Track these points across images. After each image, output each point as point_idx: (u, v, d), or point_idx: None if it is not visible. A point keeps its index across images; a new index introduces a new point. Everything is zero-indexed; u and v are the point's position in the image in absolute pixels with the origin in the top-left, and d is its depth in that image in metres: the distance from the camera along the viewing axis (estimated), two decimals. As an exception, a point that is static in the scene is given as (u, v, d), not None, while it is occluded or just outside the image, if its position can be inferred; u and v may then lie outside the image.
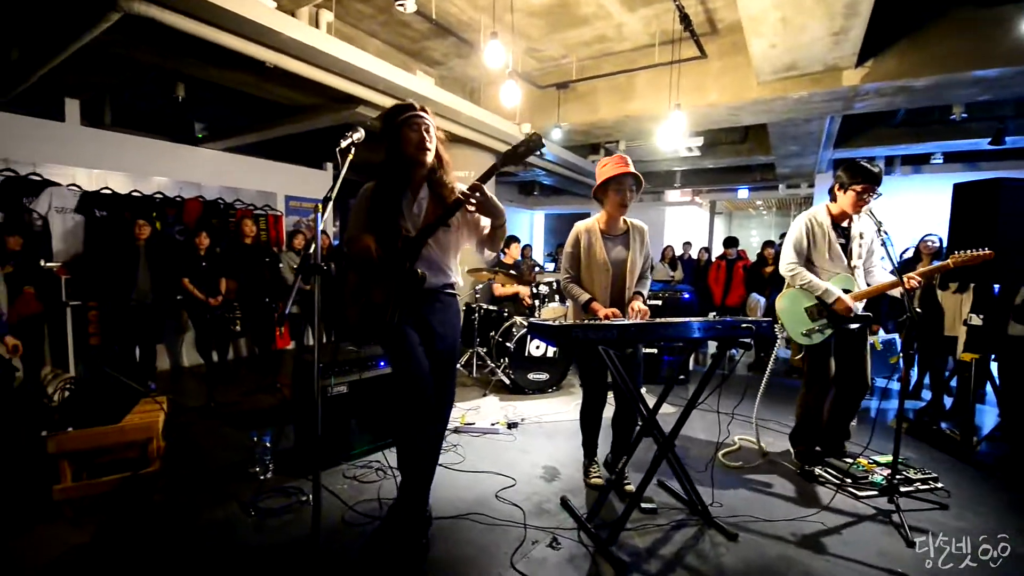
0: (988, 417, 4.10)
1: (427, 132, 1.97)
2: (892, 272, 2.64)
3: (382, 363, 3.09)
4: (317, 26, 3.86)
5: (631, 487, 2.62)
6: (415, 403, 1.96)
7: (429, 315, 2.06)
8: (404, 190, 2.02)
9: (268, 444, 2.75)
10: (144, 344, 4.63)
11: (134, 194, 5.32)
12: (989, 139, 6.64)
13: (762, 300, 6.18)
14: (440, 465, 2.87)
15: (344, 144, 1.54)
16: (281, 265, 5.27)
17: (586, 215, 2.69)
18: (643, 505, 2.46)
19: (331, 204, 1.47)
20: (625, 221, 2.63)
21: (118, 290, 4.37)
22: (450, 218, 1.95)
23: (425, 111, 2.00)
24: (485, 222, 2.09)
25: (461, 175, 6.66)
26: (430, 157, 1.99)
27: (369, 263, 1.90)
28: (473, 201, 1.87)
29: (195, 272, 4.67)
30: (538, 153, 7.04)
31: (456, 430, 3.44)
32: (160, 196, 5.60)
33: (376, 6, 4.57)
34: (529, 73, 5.85)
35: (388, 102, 4.61)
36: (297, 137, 6.65)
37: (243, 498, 2.50)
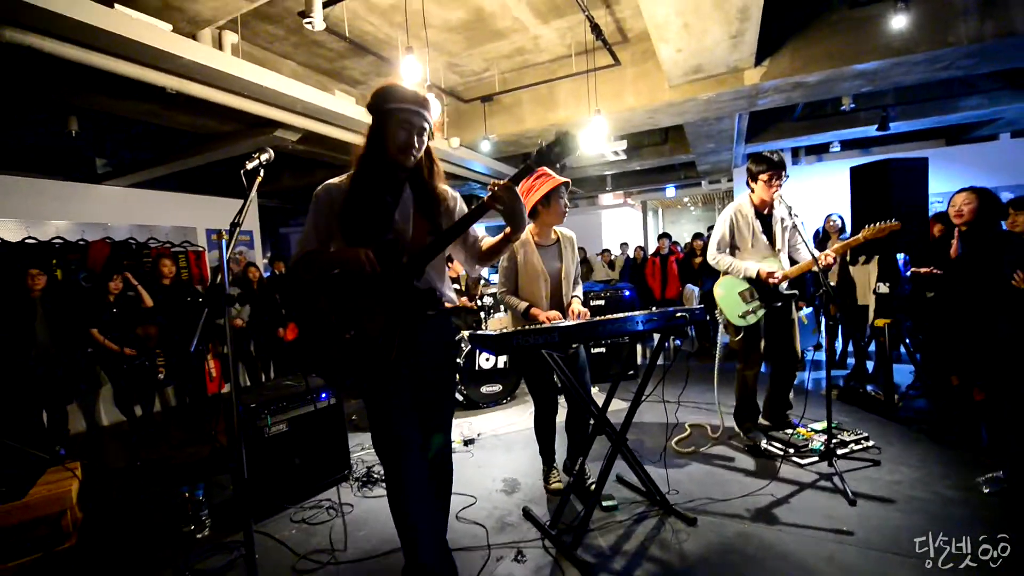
0: (906, 376, 4.48)
1: (419, 135, 1.62)
2: (809, 252, 2.84)
3: (324, 395, 2.93)
4: (221, 48, 3.67)
5: (592, 484, 2.62)
6: (403, 477, 1.63)
7: (424, 345, 1.69)
8: (385, 192, 1.65)
9: (201, 498, 2.52)
10: (51, 406, 4.15)
11: (27, 241, 4.81)
12: (876, 126, 7.38)
13: (696, 289, 6.48)
14: (395, 493, 2.76)
15: (250, 166, 1.44)
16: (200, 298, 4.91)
17: (525, 225, 2.69)
18: (604, 503, 2.47)
19: (247, 237, 1.35)
20: (555, 231, 2.67)
21: (12, 350, 3.89)
22: (477, 220, 1.62)
23: (426, 106, 1.61)
24: (481, 233, 1.83)
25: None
26: (412, 161, 1.64)
27: (360, 281, 1.55)
28: (502, 204, 1.55)
29: (104, 321, 4.25)
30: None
31: (410, 454, 3.31)
32: (60, 241, 5.10)
33: (286, 27, 4.43)
34: (454, 88, 5.87)
35: (308, 124, 4.46)
36: (216, 166, 6.29)
37: (177, 562, 2.26)
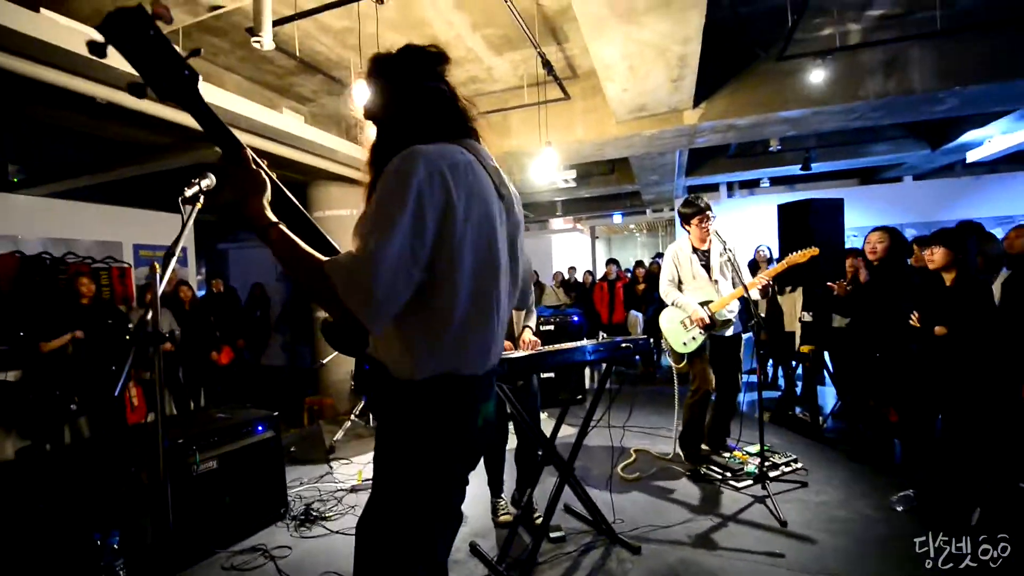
0: (831, 398, 4.81)
1: None
2: (740, 281, 3.04)
3: (260, 427, 2.77)
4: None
5: (540, 517, 2.61)
6: None
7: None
8: None
9: (116, 546, 2.29)
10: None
11: (-83, 255, 4.29)
12: (800, 165, 8.06)
13: (640, 316, 6.71)
14: (336, 532, 2.63)
15: (189, 193, 1.36)
16: (131, 325, 4.54)
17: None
18: (552, 535, 2.46)
19: (181, 253, 1.27)
20: None
21: None
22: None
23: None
24: None
25: (343, 213, 6.33)
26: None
27: None
28: None
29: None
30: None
31: (352, 489, 3.17)
32: (-42, 255, 4.59)
33: (233, 40, 4.28)
34: (406, 111, 5.87)
35: (252, 140, 4.29)
36: (148, 177, 5.89)
37: (83, 620, 2.04)
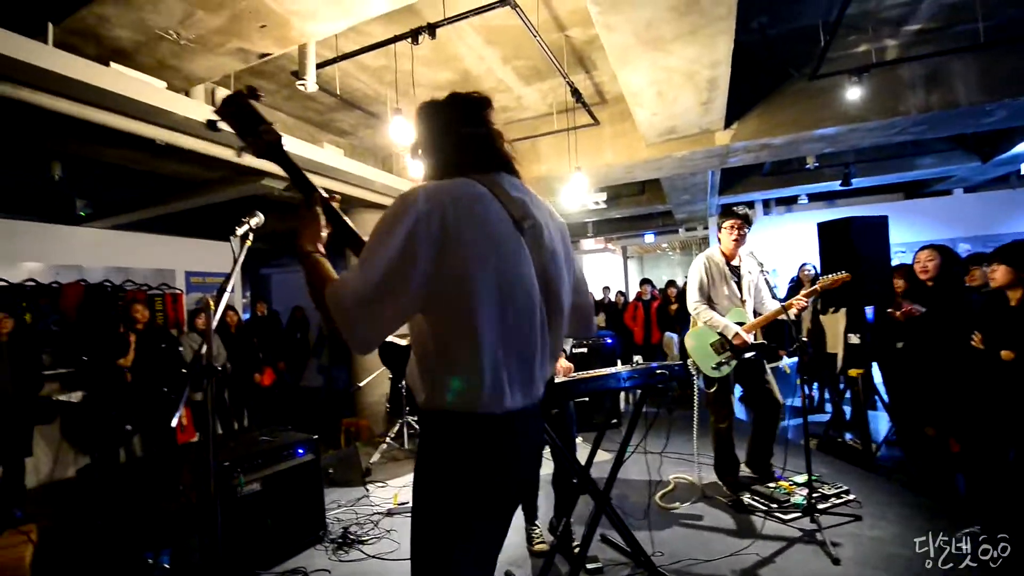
0: (883, 423, 4.55)
1: None
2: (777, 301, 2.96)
3: (301, 450, 2.85)
4: (214, 104, 3.76)
5: (577, 546, 2.56)
6: None
7: None
8: None
9: (167, 565, 2.38)
10: (8, 460, 3.91)
11: (-3, 285, 4.68)
12: (839, 181, 7.82)
13: (675, 337, 6.58)
14: (373, 557, 2.66)
15: (241, 231, 1.47)
16: (181, 348, 4.79)
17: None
18: (589, 566, 2.41)
19: (239, 275, 1.37)
20: None
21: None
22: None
23: None
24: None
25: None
26: None
27: None
28: None
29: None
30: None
31: (389, 513, 3.20)
32: (32, 284, 4.97)
33: (279, 82, 4.57)
34: (439, 140, 6.06)
35: (296, 174, 4.54)
36: (198, 209, 6.28)
37: (135, 637, 2.12)
